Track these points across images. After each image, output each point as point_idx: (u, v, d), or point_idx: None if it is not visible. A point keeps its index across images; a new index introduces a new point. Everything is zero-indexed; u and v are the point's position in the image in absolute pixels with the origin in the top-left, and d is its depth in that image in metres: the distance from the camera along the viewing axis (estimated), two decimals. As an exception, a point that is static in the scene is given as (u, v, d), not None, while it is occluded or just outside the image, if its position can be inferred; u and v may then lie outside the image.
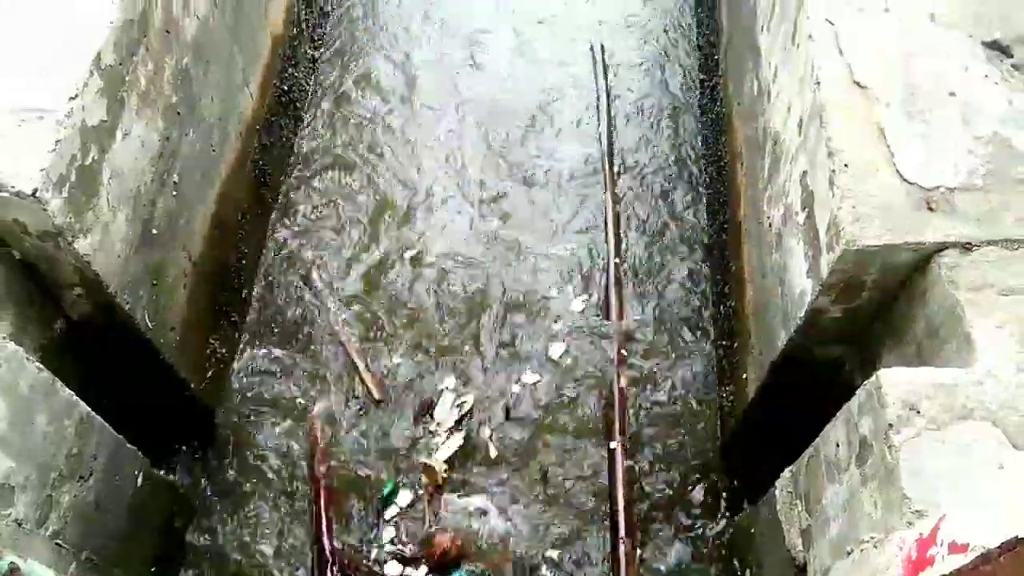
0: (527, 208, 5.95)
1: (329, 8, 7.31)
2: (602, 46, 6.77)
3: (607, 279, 5.57)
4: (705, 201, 5.98)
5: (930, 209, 3.08)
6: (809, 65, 3.61)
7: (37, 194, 3.20)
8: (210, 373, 5.04)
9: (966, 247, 3.01)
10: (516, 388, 5.22)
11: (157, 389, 4.52)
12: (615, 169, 6.09)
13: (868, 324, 3.59)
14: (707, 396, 5.21)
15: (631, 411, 5.12)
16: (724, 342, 5.22)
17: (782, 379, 4.09)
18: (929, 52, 3.54)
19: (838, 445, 3.06)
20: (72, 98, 3.44)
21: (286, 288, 5.60)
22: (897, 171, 3.18)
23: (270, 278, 5.66)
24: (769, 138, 4.36)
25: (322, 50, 7.00)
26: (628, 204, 5.96)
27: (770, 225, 4.27)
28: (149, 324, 4.12)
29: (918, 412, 2.64)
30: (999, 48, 3.57)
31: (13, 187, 3.18)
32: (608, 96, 6.47)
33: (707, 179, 6.06)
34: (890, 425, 2.63)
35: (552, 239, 5.81)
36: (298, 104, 6.50)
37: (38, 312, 3.81)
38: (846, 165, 3.22)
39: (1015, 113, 3.32)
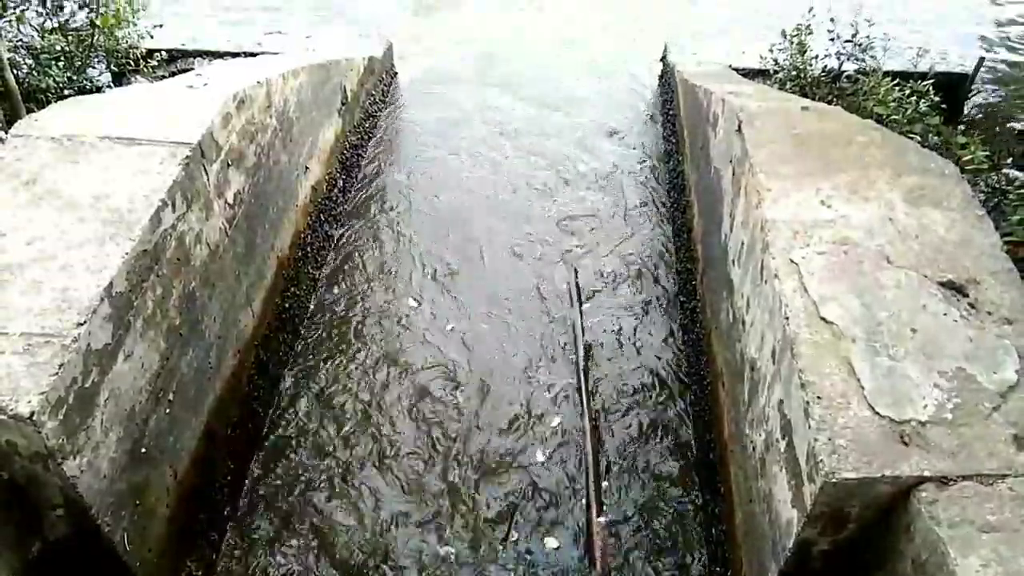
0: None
1: (334, 231, 7.83)
2: (575, 270, 7.19)
3: (589, 522, 5.35)
4: (691, 420, 6.05)
5: (904, 443, 3.16)
6: (777, 301, 3.86)
7: (34, 417, 3.27)
8: (184, 598, 4.82)
9: (943, 481, 3.06)
10: None
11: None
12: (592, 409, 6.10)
13: (857, 557, 3.53)
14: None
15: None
16: (717, 569, 5.06)
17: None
18: (888, 291, 3.80)
19: None
20: (80, 324, 3.62)
21: (271, 507, 5.48)
22: (869, 404, 3.30)
23: (256, 494, 5.57)
24: (747, 364, 4.53)
25: (324, 269, 7.40)
26: (611, 429, 5.98)
27: (753, 449, 4.32)
28: (128, 547, 4.02)
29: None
30: (954, 288, 3.83)
31: (12, 410, 3.26)
32: (583, 327, 6.73)
33: (692, 398, 6.17)
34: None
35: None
36: (297, 321, 6.75)
37: (15, 533, 3.74)
38: (819, 397, 3.35)
39: (976, 349, 3.50)
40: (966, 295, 3.79)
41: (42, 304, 3.69)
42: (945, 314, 3.68)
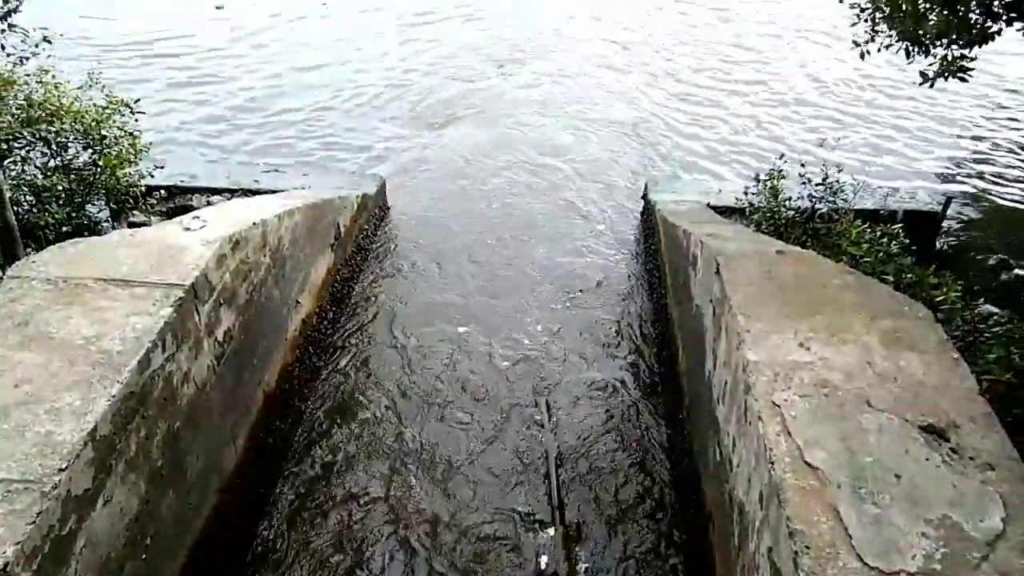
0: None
1: (321, 363, 7.85)
2: (548, 403, 7.19)
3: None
4: (683, 560, 5.91)
5: (895, 596, 3.11)
6: (761, 444, 3.88)
7: (8, 569, 3.18)
8: None
9: (937, 637, 2.99)
10: None
11: None
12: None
13: None
14: None
15: None
16: None
17: None
18: (871, 435, 3.84)
19: None
20: (62, 470, 3.58)
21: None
22: (857, 554, 3.27)
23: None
24: (735, 507, 4.49)
25: (311, 403, 7.37)
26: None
27: (746, 597, 4.22)
28: None
29: None
30: (935, 432, 3.88)
31: (-17, 565, 3.18)
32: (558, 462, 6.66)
33: (683, 538, 6.05)
34: None
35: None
36: (280, 455, 6.66)
37: None
38: (807, 547, 3.32)
39: (961, 496, 3.51)
40: (947, 439, 3.83)
41: (24, 449, 3.66)
42: (928, 459, 3.71)
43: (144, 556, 4.40)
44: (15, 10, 7.13)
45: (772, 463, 3.71)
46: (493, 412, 7.28)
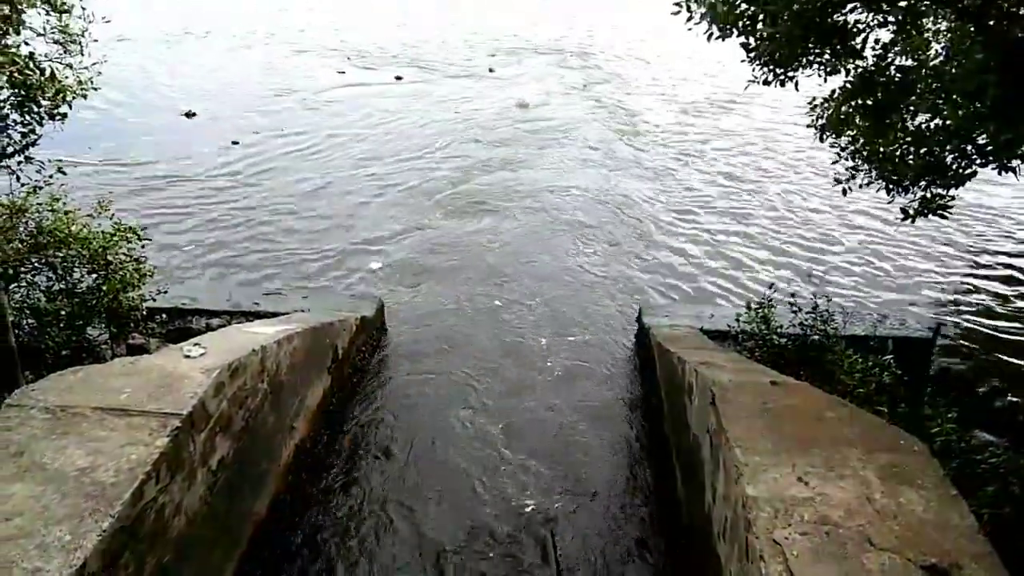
0: None
1: (314, 491, 7.71)
2: (552, 533, 7.05)
3: None
4: None
5: None
6: (765, 586, 3.81)
7: None
8: None
9: None
10: None
11: None
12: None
13: None
14: None
15: None
16: None
17: None
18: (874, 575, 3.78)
19: None
20: (47, 612, 3.49)
21: None
22: None
23: None
24: (740, 650, 4.34)
25: (301, 533, 7.18)
26: None
27: None
28: None
29: None
30: (938, 572, 3.82)
31: None
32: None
33: None
34: None
35: None
36: (268, 590, 6.45)
37: None
38: None
39: (968, 642, 3.42)
40: (951, 580, 3.77)
41: (12, 587, 3.57)
42: (934, 602, 3.64)
43: None
44: (33, 143, 7.44)
45: (776, 607, 3.64)
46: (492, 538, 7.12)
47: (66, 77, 7.35)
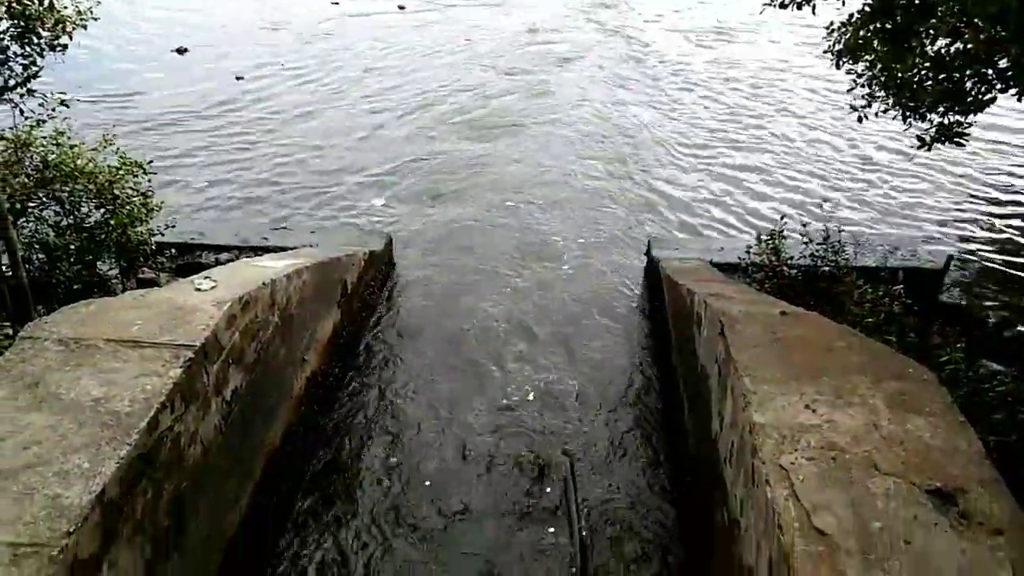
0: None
1: (326, 421, 7.85)
2: (571, 463, 7.16)
3: None
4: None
5: (908, 668, 3.07)
6: (770, 508, 3.87)
7: (10, 639, 3.17)
8: None
9: None
10: None
11: None
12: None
13: None
14: None
15: None
16: None
17: None
18: (879, 499, 3.82)
19: None
20: (69, 533, 3.58)
21: None
22: (869, 624, 3.24)
23: None
24: (743, 571, 4.45)
25: (313, 462, 7.33)
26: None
27: (757, 666, 4.15)
28: None
29: None
30: (943, 496, 3.87)
31: (-11, 630, 3.16)
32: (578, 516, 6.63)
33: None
34: None
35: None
36: (284, 515, 6.61)
37: None
38: (819, 618, 3.29)
39: (970, 563, 3.48)
40: (956, 504, 3.81)
41: (33, 512, 3.66)
42: (936, 525, 3.69)
43: (147, 621, 4.35)
44: (35, 76, 7.34)
45: (781, 528, 3.70)
46: (497, 467, 7.26)
47: (64, 7, 7.20)
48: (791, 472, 4.02)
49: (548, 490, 6.98)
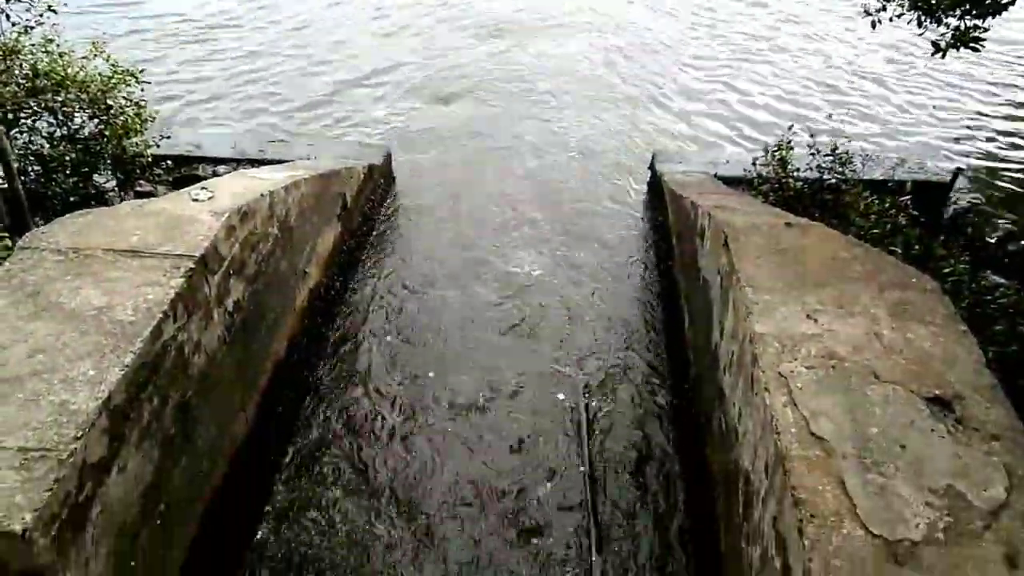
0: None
1: (329, 333, 7.91)
2: (586, 406, 7.19)
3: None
4: (689, 533, 5.98)
5: (898, 563, 3.16)
6: (768, 414, 3.92)
7: (27, 535, 3.25)
8: None
9: (939, 604, 3.05)
10: None
11: None
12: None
13: None
14: None
15: None
16: None
17: None
18: (877, 406, 3.87)
19: None
20: (77, 438, 3.64)
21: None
22: (862, 523, 3.31)
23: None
24: (741, 476, 4.54)
25: (318, 372, 7.43)
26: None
27: (750, 565, 4.28)
28: (109, 668, 3.91)
29: None
30: (941, 403, 3.91)
31: (5, 527, 3.24)
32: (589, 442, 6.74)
33: (688, 505, 6.12)
34: None
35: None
36: (290, 423, 6.74)
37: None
38: (812, 516, 3.36)
39: (965, 467, 3.55)
40: (953, 411, 3.86)
41: (40, 418, 3.71)
42: (933, 430, 3.74)
43: (159, 522, 4.47)
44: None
45: (778, 433, 3.75)
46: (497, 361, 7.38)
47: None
48: (790, 380, 4.06)
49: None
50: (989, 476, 3.51)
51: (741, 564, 4.45)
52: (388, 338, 7.92)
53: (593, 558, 5.62)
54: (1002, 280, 7.25)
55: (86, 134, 8.11)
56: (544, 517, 5.97)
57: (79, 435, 3.65)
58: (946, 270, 5.93)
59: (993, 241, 9.30)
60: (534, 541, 5.80)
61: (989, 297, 6.01)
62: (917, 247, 6.27)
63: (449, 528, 5.89)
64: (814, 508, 3.40)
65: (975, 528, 3.31)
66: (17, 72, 7.70)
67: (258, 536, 5.80)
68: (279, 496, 6.14)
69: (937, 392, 3.96)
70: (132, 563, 4.17)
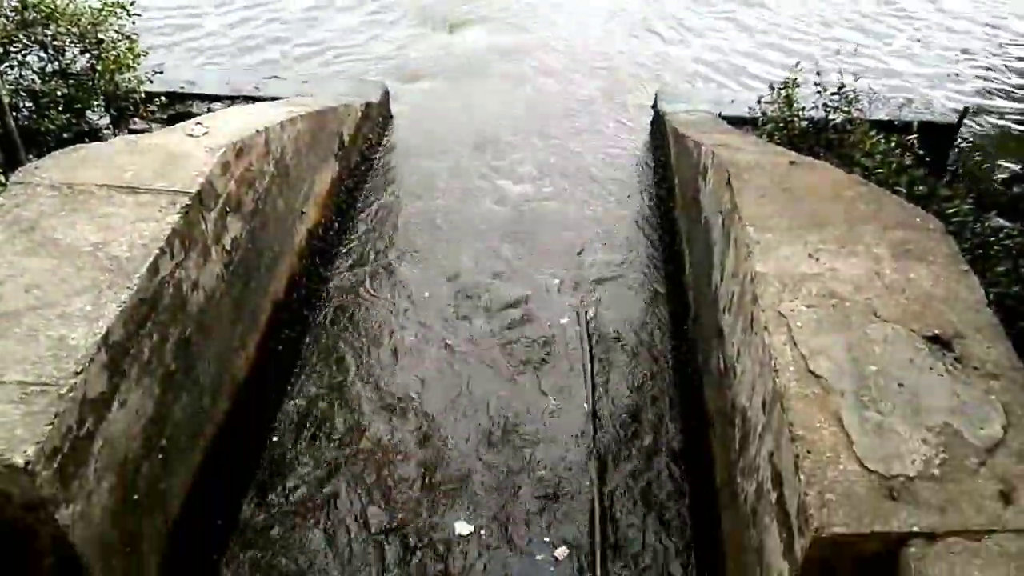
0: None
1: (328, 274, 7.88)
2: (587, 314, 7.25)
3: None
4: (683, 467, 6.06)
5: (892, 498, 3.20)
6: (767, 353, 3.92)
7: (29, 467, 3.28)
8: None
9: (931, 537, 3.09)
10: None
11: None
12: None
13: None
14: None
15: None
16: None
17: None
18: (876, 345, 3.87)
19: None
20: (77, 373, 3.64)
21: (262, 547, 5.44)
22: (857, 458, 3.34)
23: (248, 534, 5.50)
24: (737, 412, 4.58)
25: (317, 312, 7.43)
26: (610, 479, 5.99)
27: (745, 499, 4.34)
28: (118, 597, 4.00)
29: None
30: (940, 342, 3.91)
31: (7, 460, 3.26)
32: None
33: (683, 440, 6.19)
34: None
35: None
36: (290, 362, 6.76)
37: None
38: (809, 451, 3.39)
39: (962, 405, 3.56)
40: (952, 350, 3.86)
41: (39, 353, 3.71)
42: (932, 368, 3.74)
43: (160, 457, 4.52)
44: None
45: (776, 371, 3.76)
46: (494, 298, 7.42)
47: None
48: (790, 319, 4.05)
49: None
50: (986, 414, 3.53)
51: (737, 498, 4.52)
52: (387, 278, 7.90)
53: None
54: (1006, 222, 7.18)
55: (78, 69, 7.95)
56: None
57: (79, 370, 3.66)
58: (950, 211, 5.87)
59: (998, 182, 9.19)
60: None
61: (993, 238, 5.96)
62: (921, 187, 6.20)
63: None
64: (811, 444, 3.43)
65: (970, 465, 3.33)
66: (5, 5, 7.50)
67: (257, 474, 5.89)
68: (282, 431, 6.21)
69: (937, 331, 3.96)
70: (135, 496, 4.23)
